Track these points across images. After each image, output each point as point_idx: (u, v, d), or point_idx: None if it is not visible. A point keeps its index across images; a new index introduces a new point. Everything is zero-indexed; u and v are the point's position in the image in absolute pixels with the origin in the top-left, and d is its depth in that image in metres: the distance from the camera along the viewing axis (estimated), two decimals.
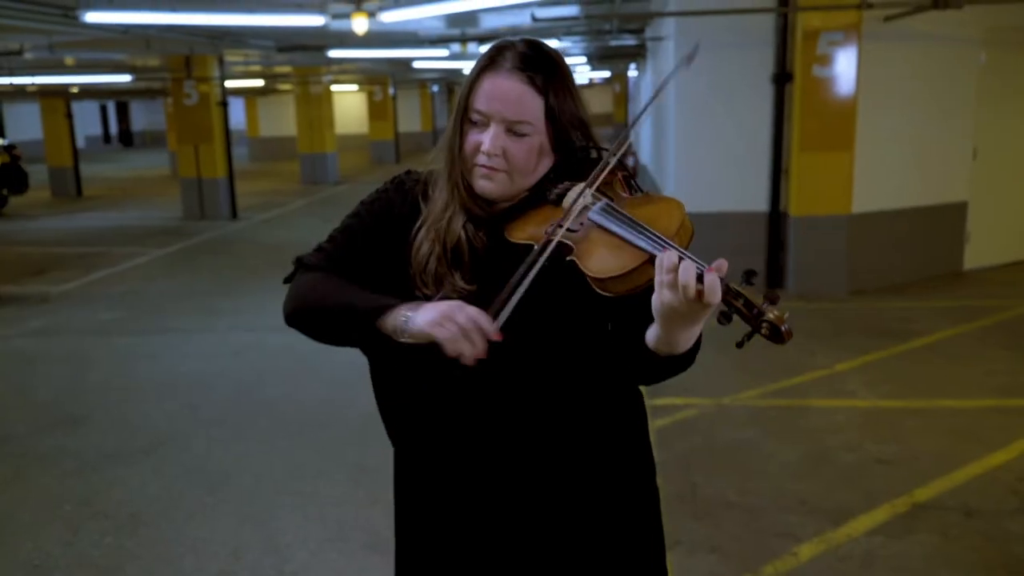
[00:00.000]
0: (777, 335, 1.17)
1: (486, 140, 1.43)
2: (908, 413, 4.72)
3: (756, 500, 3.75)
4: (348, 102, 29.22)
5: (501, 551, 1.53)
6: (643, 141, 15.98)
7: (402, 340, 1.37)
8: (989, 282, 7.67)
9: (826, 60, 6.86)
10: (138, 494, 4.00)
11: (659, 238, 1.28)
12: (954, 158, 7.70)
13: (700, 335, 1.35)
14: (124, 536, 3.61)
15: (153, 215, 14.30)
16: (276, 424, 4.84)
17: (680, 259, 1.21)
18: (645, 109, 1.59)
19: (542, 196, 1.48)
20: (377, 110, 25.01)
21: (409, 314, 1.36)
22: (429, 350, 1.34)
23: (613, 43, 12.61)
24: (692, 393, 4.88)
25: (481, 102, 1.43)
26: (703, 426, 4.56)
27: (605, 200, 1.40)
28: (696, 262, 1.21)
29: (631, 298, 1.33)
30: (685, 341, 1.32)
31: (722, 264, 1.19)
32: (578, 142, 1.49)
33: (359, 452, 4.33)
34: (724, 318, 1.21)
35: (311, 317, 1.51)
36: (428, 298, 1.43)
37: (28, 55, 11.03)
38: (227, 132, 13.71)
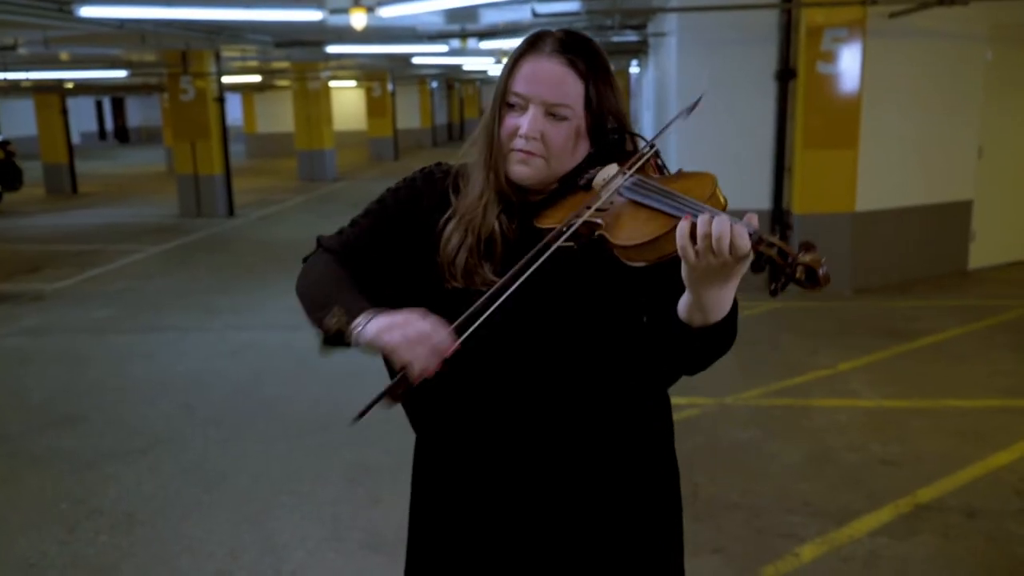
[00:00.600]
0: (813, 278, 1.14)
1: (524, 123, 1.41)
2: (912, 413, 4.68)
3: (758, 500, 3.71)
4: (346, 98, 29.17)
5: (517, 545, 1.49)
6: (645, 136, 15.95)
7: (360, 351, 1.34)
8: (994, 281, 7.64)
9: (830, 57, 6.82)
10: (134, 493, 3.96)
11: (690, 202, 1.25)
12: (959, 156, 7.66)
13: (736, 307, 1.31)
14: (120, 535, 3.57)
15: (149, 212, 14.25)
16: (274, 424, 4.80)
17: (711, 216, 1.18)
18: (656, 137, 1.53)
19: (573, 184, 1.45)
20: (376, 106, 24.95)
21: (362, 321, 1.33)
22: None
23: (615, 39, 12.56)
24: (694, 393, 4.85)
25: (521, 84, 1.41)
26: (705, 426, 4.52)
27: (637, 177, 1.37)
28: (724, 215, 1.19)
29: (664, 279, 1.31)
30: (717, 304, 1.27)
31: (752, 217, 1.18)
32: (613, 132, 1.47)
33: (357, 452, 4.29)
34: (757, 267, 1.19)
35: (303, 301, 1.49)
36: (457, 291, 1.41)
37: (22, 50, 10.97)
38: (224, 128, 13.65)
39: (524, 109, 1.41)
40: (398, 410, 1.50)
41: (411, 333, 1.27)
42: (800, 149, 7.01)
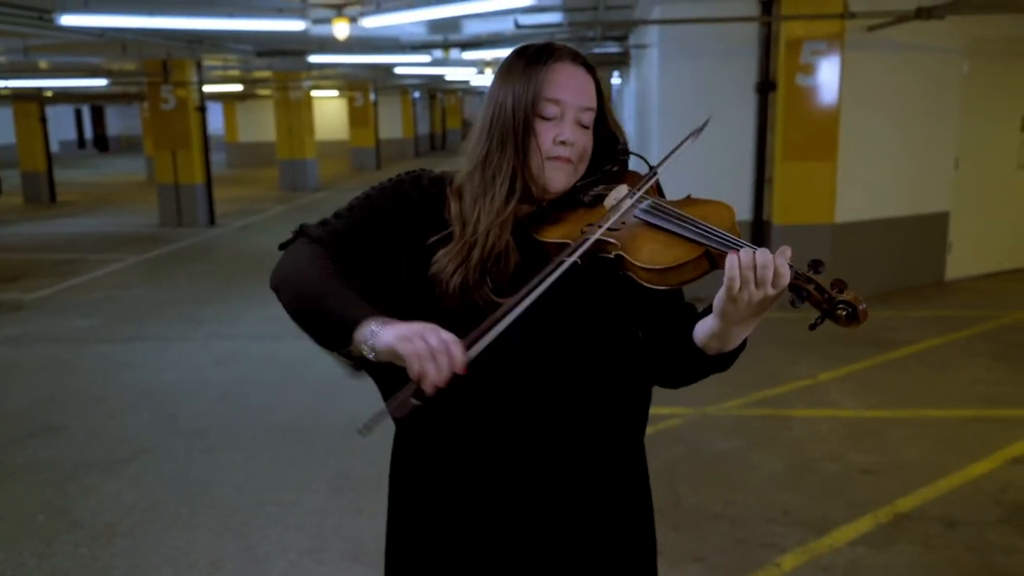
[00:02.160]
0: (854, 316, 1.18)
1: (566, 129, 1.41)
2: (891, 423, 4.72)
3: (739, 510, 3.73)
4: (328, 108, 29.10)
5: (497, 552, 1.49)
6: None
7: (366, 355, 1.29)
8: (971, 292, 7.72)
9: (809, 69, 6.88)
10: (115, 504, 3.93)
11: (713, 231, 1.27)
12: (936, 168, 7.75)
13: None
14: (100, 547, 3.55)
15: (129, 221, 14.17)
16: (257, 433, 4.78)
17: (754, 252, 1.21)
18: (661, 163, 1.54)
19: (575, 199, 1.46)
20: (358, 116, 24.90)
21: (375, 328, 1.28)
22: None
23: (596, 51, 12.62)
24: (676, 402, 4.86)
25: (558, 91, 1.41)
26: (687, 436, 4.54)
27: (651, 199, 1.39)
28: (763, 248, 1.22)
29: (666, 300, 1.34)
30: (740, 336, 1.31)
31: (787, 250, 1.22)
32: (619, 140, 1.50)
33: (341, 461, 4.28)
34: (795, 303, 1.23)
35: (294, 293, 1.41)
36: (450, 310, 1.38)
37: (1, 58, 10.89)
38: (205, 138, 13.58)
39: (558, 116, 1.41)
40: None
41: (429, 343, 1.23)
42: (780, 160, 7.07)
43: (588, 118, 1.43)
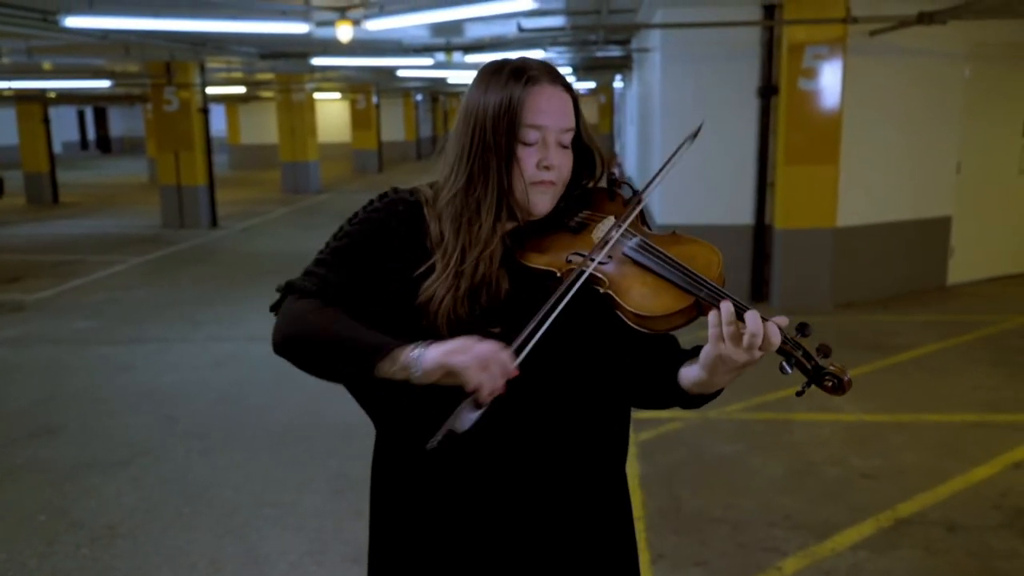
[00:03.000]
0: (839, 387, 1.23)
1: (550, 154, 1.40)
2: (893, 427, 4.72)
3: (741, 514, 3.73)
4: (331, 110, 29.14)
5: (477, 564, 1.47)
6: (628, 152, 16.04)
7: (413, 379, 1.29)
8: (973, 296, 7.71)
9: (811, 74, 6.88)
10: (115, 505, 3.93)
11: (703, 281, 1.29)
12: (938, 172, 7.75)
13: None
14: (100, 548, 3.55)
15: (131, 223, 14.18)
16: (257, 435, 4.78)
17: (742, 311, 1.23)
18: (657, 175, 1.54)
19: (559, 223, 1.46)
20: (360, 119, 24.92)
21: (420, 349, 1.29)
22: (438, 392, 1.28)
23: (599, 54, 12.63)
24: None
25: (538, 117, 1.38)
26: (688, 439, 4.54)
27: (640, 237, 1.39)
28: (753, 309, 1.24)
29: (650, 337, 1.35)
30: (723, 383, 1.33)
31: (783, 320, 1.25)
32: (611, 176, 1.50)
33: (341, 463, 4.28)
34: (784, 369, 1.26)
35: (304, 348, 1.41)
36: (442, 338, 1.36)
37: (5, 59, 10.91)
38: (208, 139, 13.61)
39: (540, 141, 1.40)
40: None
41: (479, 354, 1.25)
42: (782, 165, 7.07)
43: (568, 138, 1.42)
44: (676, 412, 4.79)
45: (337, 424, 4.78)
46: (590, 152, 1.49)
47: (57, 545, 3.57)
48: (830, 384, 1.23)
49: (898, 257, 7.63)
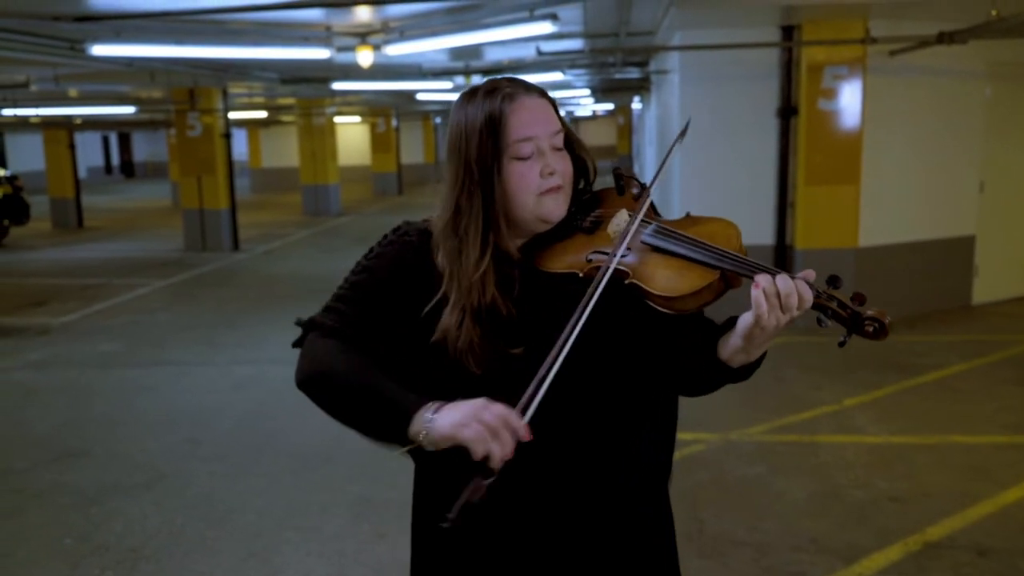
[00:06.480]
0: (881, 330, 1.23)
1: (549, 159, 1.42)
2: (919, 449, 4.66)
3: (765, 538, 3.69)
4: (351, 134, 29.36)
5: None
6: (647, 173, 16.04)
7: (424, 447, 1.31)
8: (998, 316, 7.63)
9: (831, 94, 6.87)
10: (138, 529, 3.95)
11: (725, 253, 1.30)
12: (961, 192, 7.70)
13: None
14: (124, 571, 3.56)
15: (155, 246, 14.31)
16: (279, 458, 4.79)
17: (773, 275, 1.25)
18: (657, 175, 1.57)
19: (572, 225, 1.46)
20: (380, 142, 25.11)
21: (431, 416, 1.30)
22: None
23: (617, 76, 12.69)
24: (699, 428, 4.83)
25: (527, 128, 1.40)
26: (711, 461, 4.50)
27: (656, 223, 1.40)
28: (781, 272, 1.26)
29: (684, 319, 1.35)
30: (763, 347, 1.34)
31: (811, 273, 1.27)
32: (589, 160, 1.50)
33: (363, 486, 4.27)
34: (822, 322, 1.28)
35: (330, 392, 1.43)
36: (473, 375, 1.38)
37: (33, 87, 11.08)
38: (230, 164, 13.74)
39: (535, 151, 1.41)
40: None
41: (487, 423, 1.25)
42: (802, 185, 7.05)
43: (560, 140, 1.44)
44: (699, 434, 4.79)
45: (358, 448, 4.74)
46: (578, 155, 1.50)
47: (81, 568, 3.59)
48: (871, 329, 1.23)
49: (922, 277, 7.57)
